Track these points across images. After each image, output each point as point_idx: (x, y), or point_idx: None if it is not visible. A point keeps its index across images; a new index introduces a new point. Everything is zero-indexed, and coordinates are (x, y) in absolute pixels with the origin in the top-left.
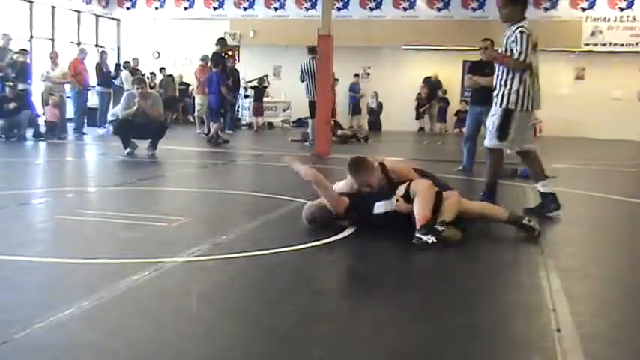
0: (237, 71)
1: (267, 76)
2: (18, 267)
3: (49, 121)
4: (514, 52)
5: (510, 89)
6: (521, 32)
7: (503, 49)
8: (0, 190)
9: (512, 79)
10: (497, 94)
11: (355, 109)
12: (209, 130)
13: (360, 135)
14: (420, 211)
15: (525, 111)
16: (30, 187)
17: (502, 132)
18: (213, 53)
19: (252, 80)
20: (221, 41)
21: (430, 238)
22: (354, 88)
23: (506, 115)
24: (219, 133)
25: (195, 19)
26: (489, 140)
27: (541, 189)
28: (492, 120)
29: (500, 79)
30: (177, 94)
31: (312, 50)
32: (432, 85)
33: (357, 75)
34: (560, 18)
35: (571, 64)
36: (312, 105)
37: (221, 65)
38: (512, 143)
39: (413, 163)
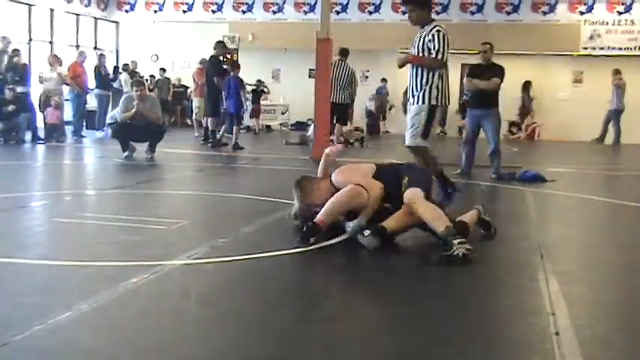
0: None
1: (264, 83)
2: (17, 270)
3: (49, 123)
4: (431, 50)
5: (431, 86)
6: (438, 31)
7: (416, 51)
8: None
9: (433, 76)
10: (419, 93)
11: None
12: (206, 133)
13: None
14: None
15: (443, 106)
16: (29, 189)
17: (427, 129)
18: (211, 56)
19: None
20: (219, 44)
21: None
22: (381, 92)
23: (432, 112)
24: (218, 135)
25: (194, 23)
26: (413, 139)
27: None
28: (418, 118)
29: (421, 79)
30: (169, 98)
31: (341, 52)
32: None
33: (384, 80)
34: (559, 22)
35: (569, 68)
36: (331, 107)
37: (218, 68)
38: (430, 138)
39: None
